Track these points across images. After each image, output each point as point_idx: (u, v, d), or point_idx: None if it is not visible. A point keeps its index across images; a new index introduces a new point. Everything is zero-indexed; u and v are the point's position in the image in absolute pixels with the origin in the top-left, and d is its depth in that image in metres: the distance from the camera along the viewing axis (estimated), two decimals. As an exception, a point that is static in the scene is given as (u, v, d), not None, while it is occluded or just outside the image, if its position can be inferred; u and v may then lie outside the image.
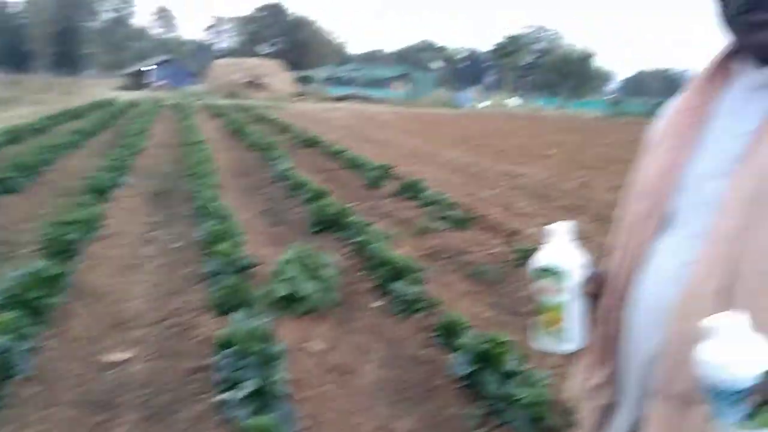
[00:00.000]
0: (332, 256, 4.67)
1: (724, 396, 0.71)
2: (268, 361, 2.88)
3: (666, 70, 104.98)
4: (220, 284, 3.99)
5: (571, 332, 1.00)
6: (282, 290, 3.91)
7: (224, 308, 3.74)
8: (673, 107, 1.08)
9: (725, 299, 0.84)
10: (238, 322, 3.22)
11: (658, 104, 1.07)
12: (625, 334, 1.01)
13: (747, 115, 0.94)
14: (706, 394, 0.73)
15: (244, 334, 3.00)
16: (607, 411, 1.05)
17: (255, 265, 4.57)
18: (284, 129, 16.12)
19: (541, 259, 1.00)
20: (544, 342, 1.03)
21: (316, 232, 5.83)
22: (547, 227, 1.01)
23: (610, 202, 7.10)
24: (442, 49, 62.96)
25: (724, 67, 1.02)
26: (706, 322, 0.74)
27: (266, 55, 64.63)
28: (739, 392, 0.70)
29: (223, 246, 4.53)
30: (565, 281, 0.98)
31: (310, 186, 7.15)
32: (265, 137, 13.54)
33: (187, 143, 11.68)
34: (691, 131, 0.99)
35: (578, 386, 1.12)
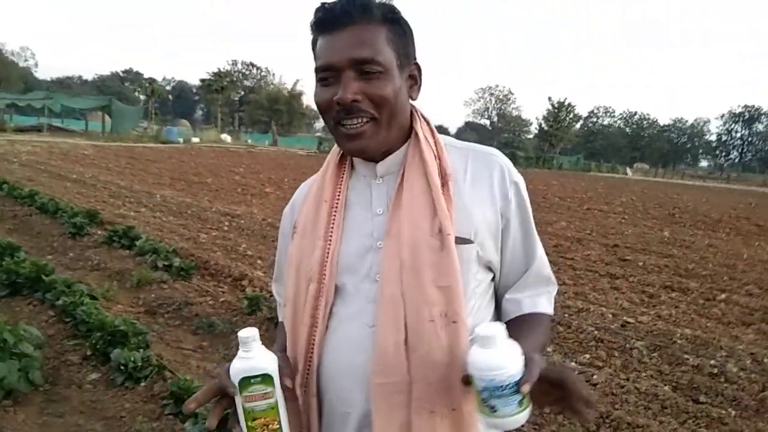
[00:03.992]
0: (31, 325, 3.99)
1: (501, 391, 0.86)
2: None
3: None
4: None
5: (286, 428, 1.02)
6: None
7: None
8: (304, 195, 1.25)
9: (404, 350, 1.02)
10: None
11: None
12: (326, 406, 1.11)
13: (375, 200, 1.15)
14: (483, 395, 0.89)
15: None
16: None
17: None
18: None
19: (246, 367, 1.00)
20: None
21: (7, 296, 4.92)
22: (241, 333, 1.01)
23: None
24: (149, 79, 59.48)
25: (344, 160, 1.22)
26: (476, 332, 0.90)
27: None
28: (513, 385, 0.86)
29: None
30: (273, 384, 1.00)
31: (-6, 239, 6.02)
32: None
33: None
34: (335, 220, 1.15)
35: None
